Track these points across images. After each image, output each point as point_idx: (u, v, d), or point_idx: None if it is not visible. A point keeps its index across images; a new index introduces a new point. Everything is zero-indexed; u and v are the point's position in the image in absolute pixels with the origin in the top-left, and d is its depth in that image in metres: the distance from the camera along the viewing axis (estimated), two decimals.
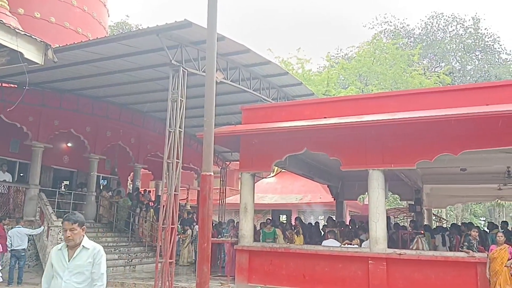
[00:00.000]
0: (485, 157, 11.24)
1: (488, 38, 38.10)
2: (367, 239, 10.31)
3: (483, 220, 36.61)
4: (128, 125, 17.88)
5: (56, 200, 15.42)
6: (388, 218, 14.27)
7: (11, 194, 14.45)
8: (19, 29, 6.08)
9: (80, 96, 15.81)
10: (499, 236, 8.82)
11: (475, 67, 38.12)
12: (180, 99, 10.14)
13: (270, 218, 14.37)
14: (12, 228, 11.78)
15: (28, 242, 12.09)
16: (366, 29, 71.75)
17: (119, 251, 14.81)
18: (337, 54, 39.10)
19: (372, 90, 27.02)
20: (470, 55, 38.48)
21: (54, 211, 13.59)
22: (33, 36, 6.21)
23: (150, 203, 17.53)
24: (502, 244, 8.59)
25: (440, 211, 29.06)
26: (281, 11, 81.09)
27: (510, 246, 8.55)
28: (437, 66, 37.79)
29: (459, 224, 16.90)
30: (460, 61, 38.33)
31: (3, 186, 14.35)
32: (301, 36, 72.93)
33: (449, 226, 16.77)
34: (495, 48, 38.30)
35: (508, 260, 8.32)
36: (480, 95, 9.30)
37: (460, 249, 9.52)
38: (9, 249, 11.46)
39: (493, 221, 20.79)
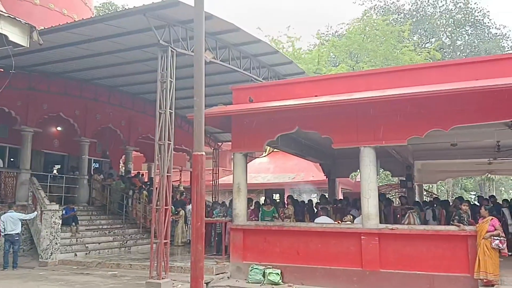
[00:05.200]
0: (475, 132, 11.33)
1: (478, 12, 37.94)
2: (359, 216, 10.42)
3: (474, 195, 37.18)
4: (118, 108, 17.76)
5: (48, 184, 15.40)
6: (383, 194, 14.46)
7: (2, 179, 14.37)
8: (2, 11, 5.95)
9: (68, 79, 15.63)
10: (481, 210, 9.08)
11: (465, 42, 38.07)
12: (170, 80, 10.04)
13: (270, 198, 14.50)
14: (4, 213, 11.76)
15: (22, 226, 12.09)
16: (356, 6, 71.17)
17: (113, 233, 14.89)
18: (327, 31, 38.80)
19: (363, 67, 26.98)
20: (460, 30, 38.36)
21: (46, 195, 13.58)
22: (17, 18, 6.09)
23: (142, 185, 17.55)
24: (485, 218, 8.76)
25: (431, 186, 29.43)
26: None
27: (494, 219, 8.71)
28: (427, 42, 37.68)
29: (446, 199, 17.05)
30: (450, 37, 38.24)
31: None
32: (290, 13, 72.18)
33: (431, 199, 16.97)
34: (485, 23, 38.18)
35: (487, 232, 8.48)
36: (470, 70, 9.31)
37: (451, 222, 9.67)
38: (2, 234, 11.46)
39: (483, 195, 21.10)
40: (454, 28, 37.96)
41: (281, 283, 9.86)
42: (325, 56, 30.37)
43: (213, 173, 21.79)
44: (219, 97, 15.20)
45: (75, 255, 12.75)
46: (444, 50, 35.91)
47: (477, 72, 9.09)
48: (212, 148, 22.26)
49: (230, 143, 12.14)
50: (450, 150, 14.53)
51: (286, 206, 13.20)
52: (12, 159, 15.98)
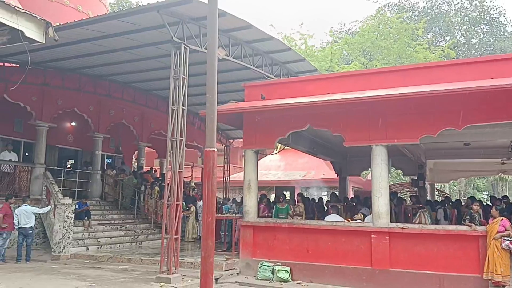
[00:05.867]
0: (489, 131, 11.20)
1: (494, 11, 37.43)
2: (370, 214, 10.40)
3: (486, 195, 36.75)
4: (131, 104, 17.91)
5: (62, 178, 15.59)
6: (394, 193, 14.39)
7: (17, 174, 14.59)
8: (18, 7, 6.03)
9: (82, 75, 15.79)
10: (492, 210, 9.01)
11: (480, 41, 37.60)
12: (183, 77, 10.09)
13: (284, 195, 14.48)
14: (19, 206, 11.95)
15: (35, 220, 12.28)
16: (370, 3, 70.70)
17: (125, 228, 15.03)
18: (341, 29, 38.65)
19: (376, 65, 26.82)
20: (475, 29, 37.89)
21: (60, 189, 13.75)
22: (33, 14, 6.16)
23: (154, 181, 17.67)
24: (496, 218, 8.68)
25: (443, 185, 29.17)
26: None
27: (504, 219, 8.63)
28: (442, 40, 37.29)
29: (458, 199, 16.88)
30: (465, 35, 37.79)
31: (9, 165, 14.48)
32: (303, 10, 71.92)
33: (443, 199, 16.83)
34: (501, 21, 37.67)
35: (497, 232, 8.42)
36: (485, 69, 9.21)
37: (462, 222, 9.60)
38: (16, 227, 11.65)
39: (495, 195, 20.87)
40: (469, 26, 37.50)
41: (290, 280, 9.89)
42: (338, 54, 30.26)
43: (224, 170, 21.86)
44: (232, 94, 15.27)
45: (87, 249, 12.90)
46: (459, 49, 35.51)
47: (492, 70, 8.99)
48: (224, 145, 22.32)
49: (241, 140, 12.18)
50: (463, 150, 14.40)
51: (296, 203, 13.20)
52: (27, 154, 16.21)
